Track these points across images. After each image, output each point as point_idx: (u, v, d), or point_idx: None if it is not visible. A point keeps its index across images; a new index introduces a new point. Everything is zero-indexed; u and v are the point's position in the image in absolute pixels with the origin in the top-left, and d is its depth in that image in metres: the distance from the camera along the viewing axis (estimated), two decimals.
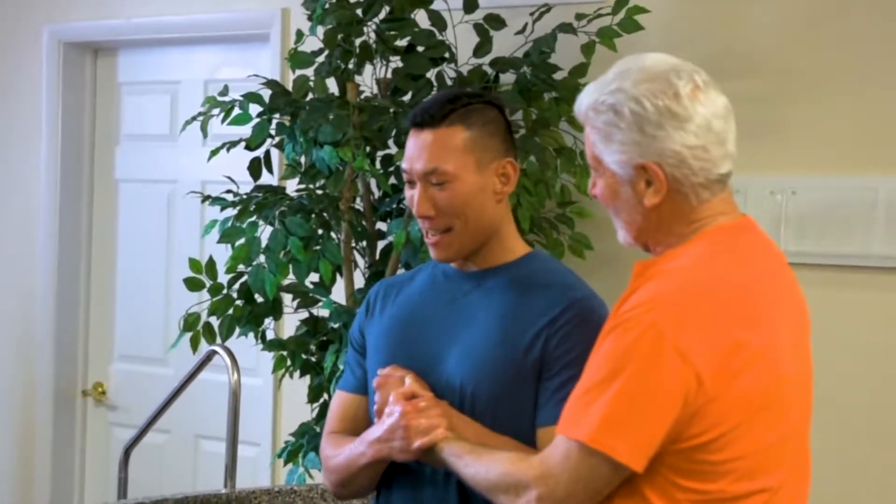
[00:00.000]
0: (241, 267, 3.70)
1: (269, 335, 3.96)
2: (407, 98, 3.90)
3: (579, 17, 3.79)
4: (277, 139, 3.84)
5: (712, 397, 1.99)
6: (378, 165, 3.85)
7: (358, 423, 2.52)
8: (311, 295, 3.84)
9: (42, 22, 5.34)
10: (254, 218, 3.71)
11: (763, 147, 3.74)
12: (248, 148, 3.81)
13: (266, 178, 3.94)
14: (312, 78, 3.85)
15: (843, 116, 3.68)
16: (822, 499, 3.03)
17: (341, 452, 2.47)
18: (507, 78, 3.88)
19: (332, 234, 3.76)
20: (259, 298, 3.78)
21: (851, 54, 3.68)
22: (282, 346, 3.85)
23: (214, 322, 3.82)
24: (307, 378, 3.90)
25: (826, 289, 3.60)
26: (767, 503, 2.08)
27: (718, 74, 3.74)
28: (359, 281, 3.95)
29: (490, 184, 2.41)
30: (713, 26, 3.88)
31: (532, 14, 3.89)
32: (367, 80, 3.97)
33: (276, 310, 3.83)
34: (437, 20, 3.88)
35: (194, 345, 3.82)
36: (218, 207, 3.83)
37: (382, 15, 3.84)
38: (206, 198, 3.91)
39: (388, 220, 3.90)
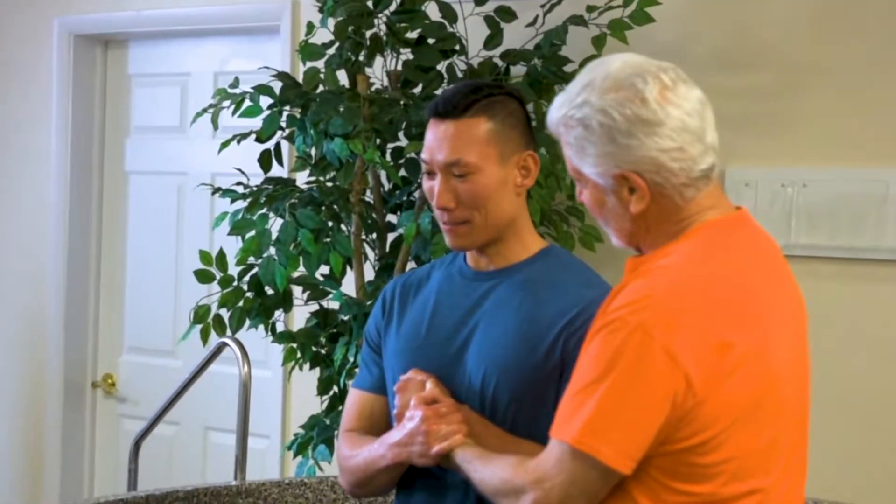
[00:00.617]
0: (251, 259, 3.70)
1: (279, 327, 3.96)
2: (417, 90, 3.89)
3: (590, 9, 3.78)
4: (288, 131, 3.84)
5: (702, 399, 1.97)
6: (388, 157, 3.85)
7: (374, 422, 2.51)
8: (321, 287, 3.83)
9: (52, 14, 5.34)
10: (264, 210, 3.70)
11: (774, 140, 3.74)
12: (258, 140, 3.80)
13: (276, 171, 3.94)
14: (323, 70, 3.84)
15: (854, 109, 3.67)
16: (835, 492, 3.04)
17: (359, 453, 2.46)
18: (518, 70, 3.88)
19: (343, 227, 3.75)
20: (269, 291, 3.78)
21: (862, 47, 3.67)
22: (292, 339, 3.85)
23: (224, 314, 3.82)
24: (317, 370, 3.90)
25: (837, 281, 3.59)
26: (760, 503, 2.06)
27: (729, 67, 3.77)
28: (369, 273, 3.95)
29: (511, 177, 2.39)
30: (724, 19, 3.87)
31: (543, 6, 3.88)
32: (378, 73, 3.97)
33: (286, 302, 3.83)
34: (448, 12, 3.88)
35: (204, 337, 3.83)
36: (228, 199, 3.83)
37: (393, 7, 3.84)
38: (216, 190, 3.91)
39: (399, 213, 3.90)
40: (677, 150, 2.06)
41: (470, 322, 2.41)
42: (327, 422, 3.83)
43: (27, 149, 5.46)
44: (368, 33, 3.85)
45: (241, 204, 3.77)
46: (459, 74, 3.88)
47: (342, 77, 3.90)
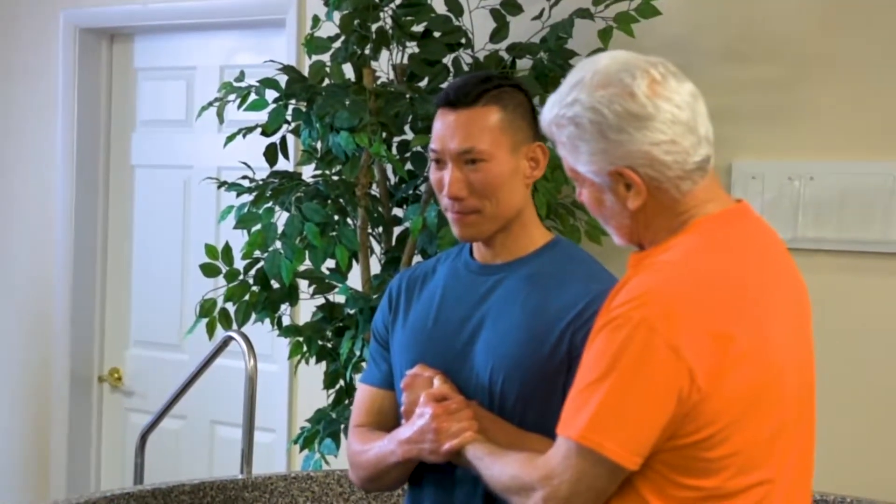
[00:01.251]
0: (257, 253, 3.70)
1: (286, 321, 3.96)
2: (423, 84, 3.89)
3: (596, 2, 3.77)
4: (293, 125, 3.83)
5: (706, 394, 1.97)
6: (394, 151, 3.84)
7: (384, 417, 2.52)
8: (327, 281, 3.83)
9: (58, 7, 5.35)
10: (270, 204, 3.70)
11: (780, 132, 3.73)
12: (264, 134, 3.80)
13: (282, 164, 3.94)
14: (328, 63, 3.84)
15: (861, 102, 3.67)
16: (843, 485, 3.03)
17: (370, 449, 2.46)
18: (524, 64, 3.87)
19: (349, 220, 3.75)
20: (275, 284, 3.78)
21: (869, 39, 3.66)
22: (298, 332, 3.85)
23: (230, 308, 3.82)
24: (323, 364, 3.90)
25: (844, 275, 3.59)
26: (766, 495, 2.06)
27: (735, 60, 3.76)
28: (375, 267, 3.94)
29: (521, 167, 2.39)
30: (730, 11, 3.86)
31: None
32: (384, 66, 3.97)
33: (292, 296, 3.83)
34: (454, 5, 3.87)
35: (210, 331, 3.83)
36: (234, 193, 3.83)
37: (399, 0, 3.83)
38: (222, 183, 3.91)
39: (405, 206, 3.90)
40: (669, 143, 2.06)
41: (476, 316, 2.40)
42: (333, 415, 3.83)
43: (33, 143, 5.46)
44: (374, 27, 3.84)
45: (247, 198, 3.77)
46: (465, 68, 3.88)
47: (348, 70, 3.90)
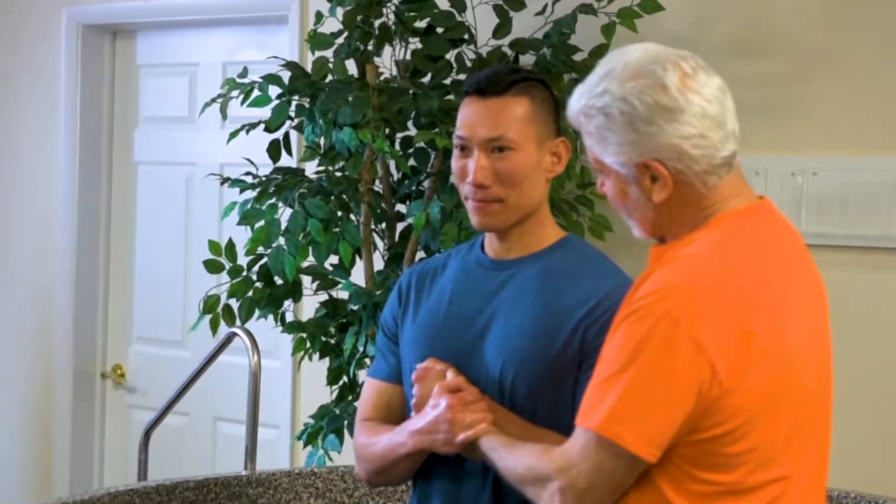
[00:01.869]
0: (260, 249, 3.70)
1: (289, 317, 3.96)
2: (426, 80, 3.89)
3: None
4: (297, 121, 3.83)
5: (727, 389, 1.97)
6: (397, 147, 3.84)
7: (392, 411, 2.51)
8: (330, 277, 3.83)
9: (61, 4, 5.35)
10: (273, 200, 3.70)
11: (784, 128, 3.73)
12: (267, 130, 3.80)
13: (285, 160, 3.94)
14: (331, 59, 3.84)
15: (865, 97, 3.66)
16: (845, 480, 3.03)
17: (378, 441, 2.45)
18: (527, 59, 3.87)
19: (352, 216, 3.75)
20: (278, 281, 3.78)
21: (873, 35, 3.66)
22: (301, 329, 3.85)
23: (234, 304, 3.82)
24: (326, 360, 3.90)
25: (848, 270, 3.59)
26: (784, 491, 2.06)
27: (739, 55, 3.75)
28: (378, 263, 3.95)
29: (544, 161, 2.40)
30: (733, 7, 3.86)
31: None
32: (387, 62, 3.97)
33: (295, 292, 3.83)
34: (457, 1, 3.87)
35: (214, 327, 3.83)
36: (237, 190, 3.83)
37: None
38: (225, 180, 3.91)
39: (408, 202, 3.90)
40: (698, 137, 2.06)
41: (487, 311, 2.40)
42: (337, 411, 3.83)
43: (36, 140, 5.46)
44: (377, 22, 3.84)
45: (251, 194, 3.77)
46: (468, 64, 3.88)
47: (351, 66, 3.90)
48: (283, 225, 3.65)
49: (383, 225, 3.94)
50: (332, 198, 3.71)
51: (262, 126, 3.80)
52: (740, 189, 2.14)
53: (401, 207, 3.98)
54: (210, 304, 3.82)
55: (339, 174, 3.78)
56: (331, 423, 3.80)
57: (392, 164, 3.90)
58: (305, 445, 3.89)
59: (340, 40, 3.87)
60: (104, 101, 5.42)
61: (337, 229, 3.65)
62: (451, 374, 2.37)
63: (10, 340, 5.60)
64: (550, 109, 2.41)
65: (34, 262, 5.50)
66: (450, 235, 3.52)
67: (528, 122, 2.36)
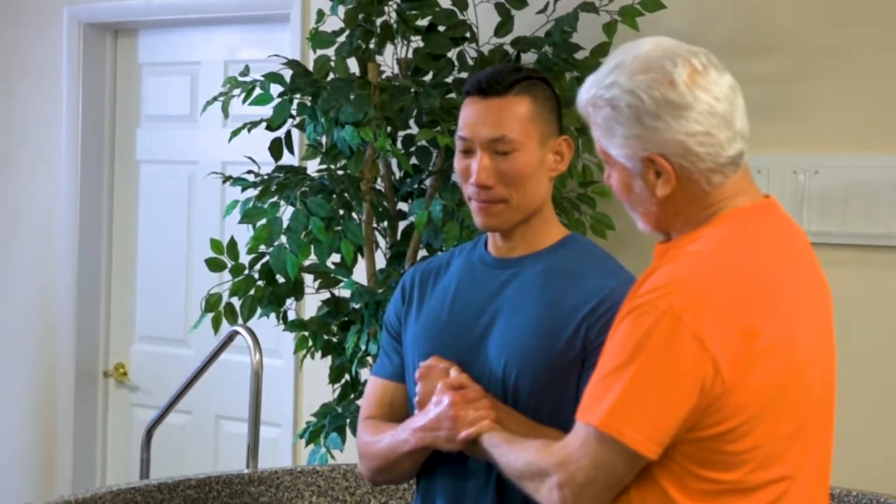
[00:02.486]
0: (262, 247, 3.70)
1: (291, 316, 3.96)
2: (428, 78, 3.89)
3: None
4: (298, 119, 3.84)
5: (729, 387, 1.97)
6: (399, 145, 3.84)
7: (395, 410, 2.51)
8: (332, 275, 3.84)
9: (62, 3, 5.35)
10: (275, 198, 3.70)
11: (785, 126, 3.73)
12: (268, 128, 3.80)
13: (287, 159, 3.94)
14: (333, 58, 3.84)
15: (867, 94, 3.66)
16: (850, 478, 3.03)
17: (381, 438, 2.45)
18: (529, 58, 3.87)
19: (354, 215, 3.75)
20: (280, 279, 3.78)
21: (875, 32, 3.66)
22: (303, 327, 3.85)
23: (236, 303, 3.82)
24: (328, 359, 3.90)
25: (849, 268, 3.59)
26: (786, 491, 2.06)
27: (740, 53, 3.75)
28: (380, 261, 3.95)
29: (547, 160, 2.39)
30: (735, 5, 3.86)
31: None
32: (388, 60, 3.97)
33: (297, 290, 3.84)
34: (458, 0, 3.87)
35: (216, 325, 3.83)
36: (239, 188, 3.83)
37: None
38: (227, 178, 3.91)
39: (410, 201, 3.90)
40: (704, 135, 2.05)
41: (490, 309, 2.40)
42: (339, 410, 3.83)
43: (38, 138, 5.47)
44: (379, 21, 3.84)
45: (252, 192, 3.77)
46: (470, 62, 3.88)
47: (352, 65, 3.90)
48: (285, 223, 3.65)
49: (385, 223, 3.95)
50: (334, 196, 3.71)
51: (264, 124, 3.80)
52: (747, 187, 2.13)
53: (403, 206, 3.98)
54: (212, 303, 3.82)
55: (340, 172, 3.78)
56: (333, 421, 3.80)
57: (394, 162, 3.90)
58: (307, 444, 3.89)
59: (342, 39, 3.87)
60: (106, 100, 5.42)
61: (339, 228, 3.65)
62: (454, 372, 2.38)
63: (12, 339, 5.60)
64: (552, 108, 2.41)
65: (36, 260, 5.50)
66: (452, 234, 3.52)
67: (530, 121, 2.36)
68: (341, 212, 3.70)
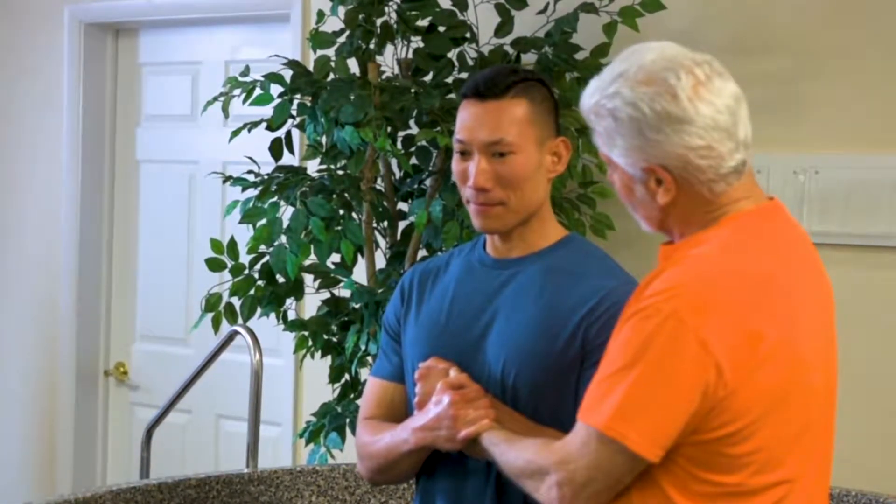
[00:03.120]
0: (262, 247, 3.71)
1: (291, 315, 3.97)
2: (428, 78, 3.89)
3: None
4: (298, 119, 3.84)
5: (733, 390, 1.97)
6: (399, 145, 3.85)
7: (394, 410, 2.51)
8: (332, 275, 3.84)
9: (63, 2, 5.35)
10: (275, 198, 3.71)
11: (786, 126, 3.73)
12: (269, 128, 3.81)
13: (287, 159, 3.94)
14: (333, 58, 3.84)
15: (867, 94, 3.66)
16: (850, 479, 3.03)
17: (381, 439, 2.45)
18: (529, 58, 3.87)
19: (354, 215, 3.76)
20: (280, 279, 3.79)
21: (875, 32, 3.66)
22: (303, 327, 3.85)
23: (236, 302, 3.83)
24: (328, 358, 3.90)
25: (850, 268, 3.58)
26: (787, 494, 2.06)
27: (740, 53, 3.75)
28: (380, 261, 3.95)
29: (545, 162, 2.39)
30: (735, 5, 3.86)
31: None
32: (389, 61, 3.97)
33: (297, 290, 3.84)
34: (459, 0, 3.87)
35: (216, 325, 3.83)
36: (239, 188, 3.83)
37: None
38: (227, 178, 3.91)
39: (410, 201, 3.90)
40: (705, 149, 2.05)
41: (490, 310, 2.40)
42: (339, 409, 3.84)
43: (39, 138, 5.47)
44: (379, 21, 3.84)
45: (253, 192, 3.78)
46: (470, 62, 3.88)
47: (353, 65, 3.90)
48: (285, 223, 3.65)
49: (385, 223, 3.95)
50: (334, 196, 3.71)
51: (264, 124, 3.80)
52: (751, 191, 2.13)
53: (403, 206, 3.99)
54: (212, 303, 3.82)
55: (340, 172, 3.79)
56: (333, 421, 3.81)
57: (394, 162, 3.90)
58: (307, 443, 3.89)
59: (342, 39, 3.87)
60: (107, 100, 5.42)
61: (339, 228, 3.65)
62: (453, 373, 2.38)
63: (13, 338, 5.60)
64: (550, 109, 2.41)
65: (37, 260, 5.50)
66: (451, 234, 3.53)
67: (527, 123, 2.36)
68: (341, 212, 3.70)
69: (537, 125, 2.37)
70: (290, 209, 3.68)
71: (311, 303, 4.28)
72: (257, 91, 3.79)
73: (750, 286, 2.03)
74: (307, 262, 3.72)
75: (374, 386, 2.56)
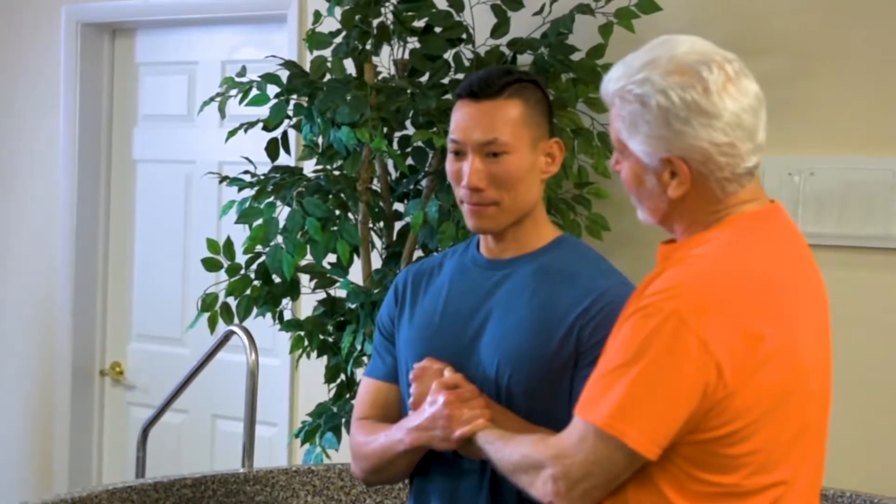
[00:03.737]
0: (258, 247, 3.71)
1: (287, 315, 3.97)
2: (424, 79, 3.90)
3: None
4: (295, 120, 3.84)
5: (732, 391, 1.98)
6: (395, 146, 3.85)
7: (388, 411, 2.51)
8: (328, 275, 3.84)
9: (60, 2, 5.35)
10: (271, 199, 3.71)
11: (781, 127, 3.71)
12: (265, 129, 3.81)
13: (283, 159, 3.95)
14: (330, 59, 3.85)
15: (862, 96, 3.67)
16: (843, 480, 3.04)
17: (376, 439, 2.46)
18: (525, 59, 3.88)
19: (350, 215, 3.76)
20: (276, 279, 3.79)
21: (871, 34, 3.67)
22: (299, 327, 3.86)
23: (232, 302, 3.83)
24: (324, 358, 3.91)
25: (845, 270, 3.59)
26: (782, 496, 2.06)
27: (736, 54, 3.75)
28: (376, 262, 3.95)
29: (538, 163, 2.40)
30: (731, 7, 3.87)
31: None
32: (385, 61, 3.97)
33: (293, 290, 3.84)
34: (455, 1, 3.88)
35: (212, 325, 3.83)
36: (236, 188, 3.84)
37: None
38: (223, 178, 3.92)
39: (406, 201, 3.91)
40: (728, 146, 2.05)
41: (483, 310, 2.41)
42: (335, 409, 3.84)
43: (35, 138, 5.47)
44: (375, 22, 3.85)
45: (249, 192, 3.78)
46: (466, 63, 3.89)
47: (349, 66, 3.90)
48: (282, 223, 3.66)
49: (381, 224, 3.95)
50: (331, 196, 3.72)
51: (261, 125, 3.80)
52: (757, 194, 2.14)
53: (399, 206, 3.99)
54: (208, 302, 3.83)
55: (337, 173, 3.79)
56: (328, 421, 3.81)
57: (390, 163, 3.91)
58: (303, 443, 3.89)
59: (339, 39, 3.87)
60: (103, 100, 5.43)
61: (335, 228, 3.66)
62: (448, 373, 2.38)
63: (9, 338, 5.61)
64: (544, 110, 2.42)
65: (33, 259, 5.50)
66: (447, 234, 3.53)
67: (521, 124, 2.36)
68: (337, 212, 3.71)
69: (531, 126, 2.38)
70: (287, 209, 3.68)
71: (307, 303, 4.28)
72: (254, 91, 3.79)
73: (751, 287, 2.03)
74: (303, 263, 3.72)
75: (368, 386, 2.56)
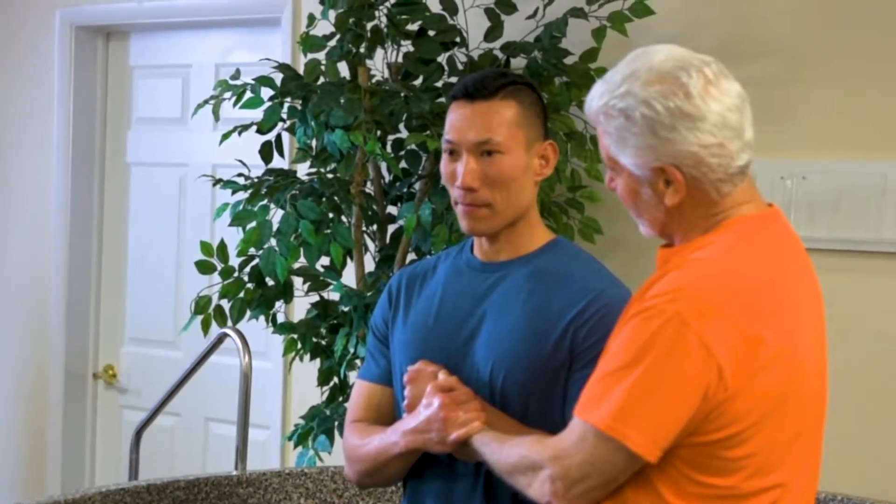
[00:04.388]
0: (252, 250, 3.71)
1: (280, 318, 3.97)
2: (418, 82, 3.90)
3: (590, 1, 3.79)
4: (289, 123, 3.85)
5: (733, 394, 1.98)
6: (389, 149, 3.85)
7: (382, 413, 2.51)
8: (321, 278, 3.84)
9: (54, 6, 5.35)
10: (265, 201, 3.71)
11: (773, 131, 3.74)
12: (259, 132, 3.81)
13: (277, 162, 3.95)
14: (324, 62, 3.85)
15: (854, 101, 3.67)
16: (836, 485, 3.04)
17: (370, 442, 2.45)
18: (518, 62, 3.88)
19: (343, 218, 3.76)
20: (270, 282, 3.79)
21: (862, 38, 3.67)
22: (292, 330, 3.86)
23: (225, 305, 3.83)
24: (317, 361, 3.91)
25: (837, 274, 3.59)
26: (778, 499, 2.07)
27: (728, 58, 3.74)
28: (369, 264, 3.96)
29: (532, 165, 2.40)
30: (724, 10, 3.87)
31: None
32: (379, 65, 3.98)
33: (286, 293, 3.84)
34: (449, 4, 3.89)
35: (205, 328, 3.83)
36: (229, 191, 3.84)
37: None
38: (217, 181, 3.92)
39: (399, 204, 3.91)
40: (717, 146, 2.06)
41: (478, 313, 2.41)
42: (328, 412, 3.84)
43: (29, 140, 5.47)
44: (369, 25, 3.85)
45: (243, 195, 3.78)
46: (460, 67, 3.89)
47: (343, 69, 3.91)
48: (275, 226, 3.66)
49: (374, 227, 3.95)
50: (324, 199, 3.72)
51: (255, 128, 3.81)
52: (752, 196, 2.15)
53: (392, 209, 3.99)
54: (202, 305, 3.83)
55: (330, 176, 3.79)
56: (321, 423, 3.81)
57: (383, 166, 3.91)
58: (296, 446, 3.90)
59: (332, 43, 3.88)
60: (97, 102, 5.42)
61: (328, 231, 3.66)
62: (442, 375, 2.38)
63: (2, 340, 5.60)
64: (538, 113, 2.42)
65: (27, 262, 5.50)
66: (440, 237, 3.53)
67: (516, 125, 2.37)
68: (331, 215, 3.71)
69: (525, 127, 2.38)
70: (280, 212, 3.69)
71: (300, 306, 4.28)
72: (248, 94, 3.80)
73: (752, 291, 2.04)
74: (296, 265, 3.73)
75: (361, 389, 2.56)
